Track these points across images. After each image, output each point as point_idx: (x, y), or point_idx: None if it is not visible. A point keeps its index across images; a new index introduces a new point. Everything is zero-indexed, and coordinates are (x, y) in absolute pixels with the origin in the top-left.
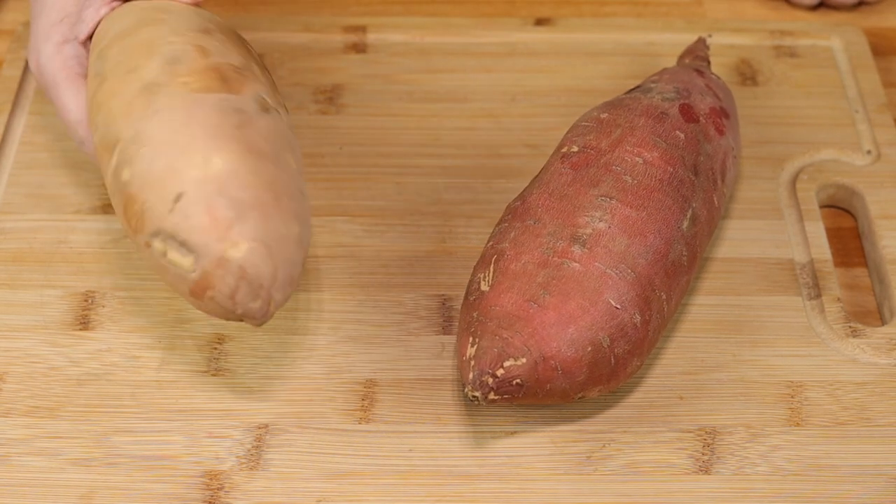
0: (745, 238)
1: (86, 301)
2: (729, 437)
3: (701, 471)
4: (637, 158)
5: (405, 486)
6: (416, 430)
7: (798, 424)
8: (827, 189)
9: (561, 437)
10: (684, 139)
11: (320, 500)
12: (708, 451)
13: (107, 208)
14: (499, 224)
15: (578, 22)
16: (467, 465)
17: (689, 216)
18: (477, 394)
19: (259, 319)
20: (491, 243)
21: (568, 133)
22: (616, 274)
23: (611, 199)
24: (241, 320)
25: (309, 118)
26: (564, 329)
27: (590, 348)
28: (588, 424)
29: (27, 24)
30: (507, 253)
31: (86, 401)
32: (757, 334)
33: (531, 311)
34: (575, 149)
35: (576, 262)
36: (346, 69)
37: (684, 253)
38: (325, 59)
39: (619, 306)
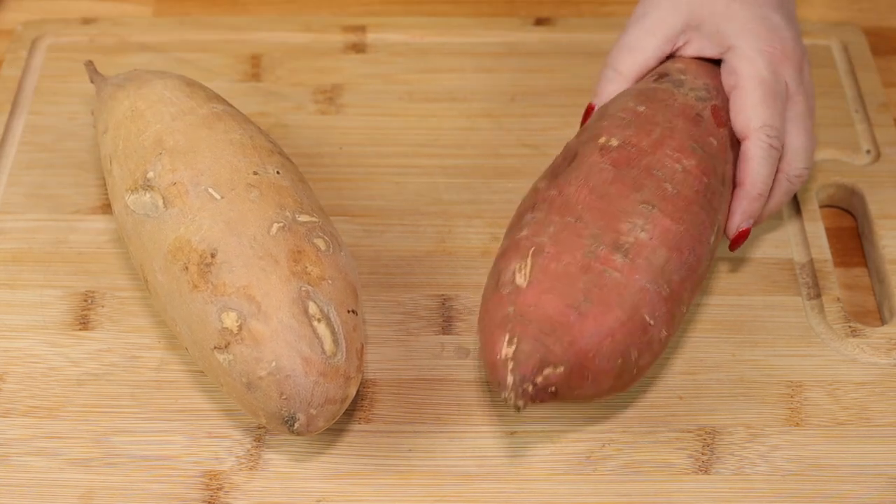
0: None
1: (85, 301)
2: (729, 436)
3: (701, 471)
4: (677, 165)
5: (405, 486)
6: (416, 430)
7: (798, 424)
8: (827, 189)
9: (560, 437)
10: (716, 146)
11: (320, 500)
12: (707, 451)
13: (106, 208)
14: (531, 210)
15: (578, 22)
16: (466, 465)
17: (715, 230)
18: (520, 402)
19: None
20: (525, 233)
21: (602, 121)
22: (653, 289)
23: (652, 207)
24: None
25: (309, 118)
26: (602, 341)
27: (620, 360)
28: (587, 424)
29: (27, 24)
30: (547, 249)
31: (85, 401)
32: (757, 334)
33: (572, 318)
34: (615, 143)
35: (617, 271)
36: (346, 69)
37: (707, 266)
38: (325, 59)
39: (651, 322)
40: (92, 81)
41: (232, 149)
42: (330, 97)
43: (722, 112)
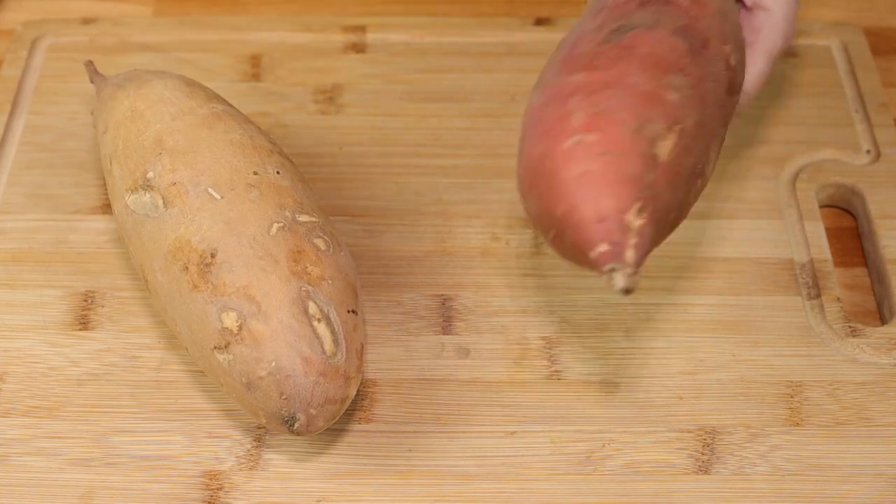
0: (744, 238)
1: (85, 301)
2: (728, 436)
3: (700, 471)
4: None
5: (405, 486)
6: (416, 430)
7: (798, 424)
8: (827, 189)
9: (560, 437)
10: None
11: (320, 500)
12: (707, 451)
13: (106, 208)
14: (666, 45)
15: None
16: (466, 465)
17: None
18: (631, 285)
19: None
20: (676, 98)
21: None
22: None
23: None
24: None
25: (309, 118)
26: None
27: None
28: (587, 424)
29: (27, 24)
30: (686, 137)
31: (85, 401)
32: (757, 334)
33: (670, 218)
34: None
35: (693, 196)
36: (346, 69)
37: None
38: (325, 59)
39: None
40: (92, 81)
41: (232, 149)
42: (330, 97)
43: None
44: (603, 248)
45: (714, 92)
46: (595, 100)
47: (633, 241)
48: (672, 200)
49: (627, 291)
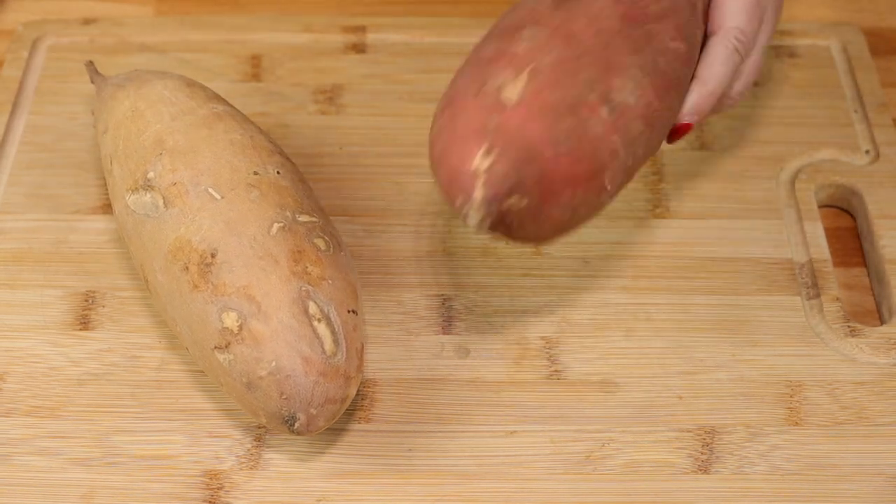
0: (744, 238)
1: (86, 301)
2: (728, 436)
3: (700, 470)
4: (672, 44)
5: (405, 485)
6: (416, 429)
7: (797, 424)
8: (826, 189)
9: (560, 437)
10: (695, 41)
11: (320, 500)
12: (707, 451)
13: (106, 208)
14: (532, 25)
15: None
16: (466, 464)
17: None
18: (484, 222)
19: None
20: (525, 47)
21: None
22: (622, 156)
23: (645, 75)
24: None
25: (309, 118)
26: (565, 189)
27: (570, 213)
28: (587, 424)
29: (27, 25)
30: (544, 75)
31: (86, 401)
32: (756, 334)
33: (549, 153)
34: None
35: (601, 125)
36: (346, 69)
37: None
38: (325, 59)
39: (608, 188)
40: (92, 81)
41: (232, 149)
42: (330, 97)
43: (704, 12)
44: (459, 199)
45: (594, 26)
46: (453, 81)
47: (480, 180)
48: (541, 127)
49: (481, 225)
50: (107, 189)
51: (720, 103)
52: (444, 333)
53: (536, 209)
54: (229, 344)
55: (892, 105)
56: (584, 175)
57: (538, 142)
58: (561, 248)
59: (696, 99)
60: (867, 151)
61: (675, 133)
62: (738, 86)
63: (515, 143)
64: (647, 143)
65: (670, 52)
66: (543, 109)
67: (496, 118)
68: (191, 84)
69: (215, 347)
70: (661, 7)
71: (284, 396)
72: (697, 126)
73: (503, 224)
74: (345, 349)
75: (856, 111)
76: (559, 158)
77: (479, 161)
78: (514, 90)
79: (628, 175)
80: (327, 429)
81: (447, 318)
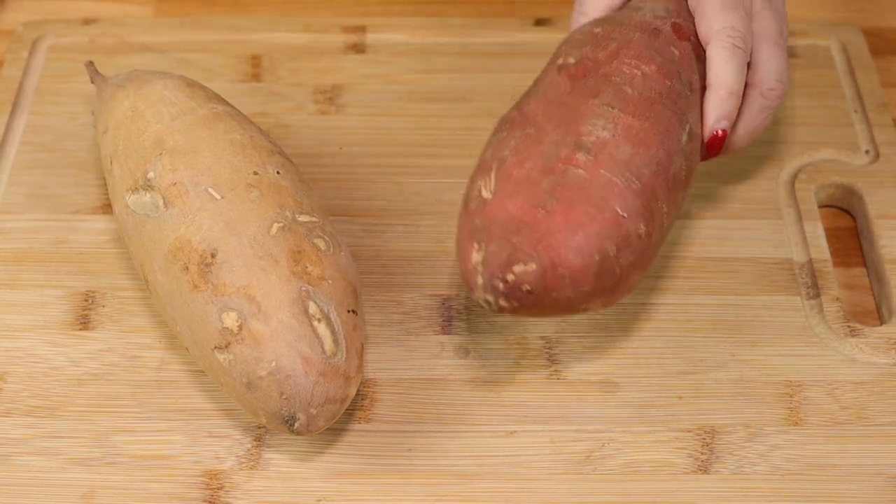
0: (744, 238)
1: (86, 301)
2: (728, 436)
3: (700, 470)
4: (636, 71)
5: (405, 485)
6: (416, 429)
7: (797, 424)
8: (826, 189)
9: (560, 437)
10: (679, 56)
11: (320, 500)
12: (707, 451)
13: (106, 208)
14: (495, 134)
15: None
16: (466, 464)
17: (686, 131)
18: (490, 297)
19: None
20: (490, 153)
21: (561, 46)
22: (622, 182)
23: (612, 107)
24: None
25: (309, 118)
26: (572, 235)
27: (597, 257)
28: (587, 424)
29: (27, 25)
30: (509, 160)
31: (86, 400)
32: (756, 334)
33: (538, 216)
34: (571, 60)
35: (581, 168)
36: (346, 69)
37: (683, 167)
38: (325, 59)
39: (624, 215)
40: (92, 82)
41: (232, 149)
42: (330, 97)
43: (684, 28)
44: (473, 294)
45: (544, 99)
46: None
47: (479, 272)
48: (521, 201)
49: (497, 304)
50: (107, 189)
51: (763, 99)
52: (444, 333)
53: (553, 266)
54: (229, 344)
55: (892, 105)
56: (585, 216)
57: (521, 213)
58: None
59: (715, 104)
60: (867, 151)
61: (711, 146)
62: (770, 78)
63: (498, 224)
64: (651, 160)
65: (638, 78)
66: (518, 187)
67: (479, 217)
68: (191, 84)
69: (215, 347)
70: (609, 51)
71: (284, 396)
72: (752, 131)
73: (524, 293)
74: (345, 349)
75: (856, 111)
76: (552, 214)
77: (475, 257)
78: (488, 187)
79: (650, 195)
80: (327, 429)
81: (447, 318)
